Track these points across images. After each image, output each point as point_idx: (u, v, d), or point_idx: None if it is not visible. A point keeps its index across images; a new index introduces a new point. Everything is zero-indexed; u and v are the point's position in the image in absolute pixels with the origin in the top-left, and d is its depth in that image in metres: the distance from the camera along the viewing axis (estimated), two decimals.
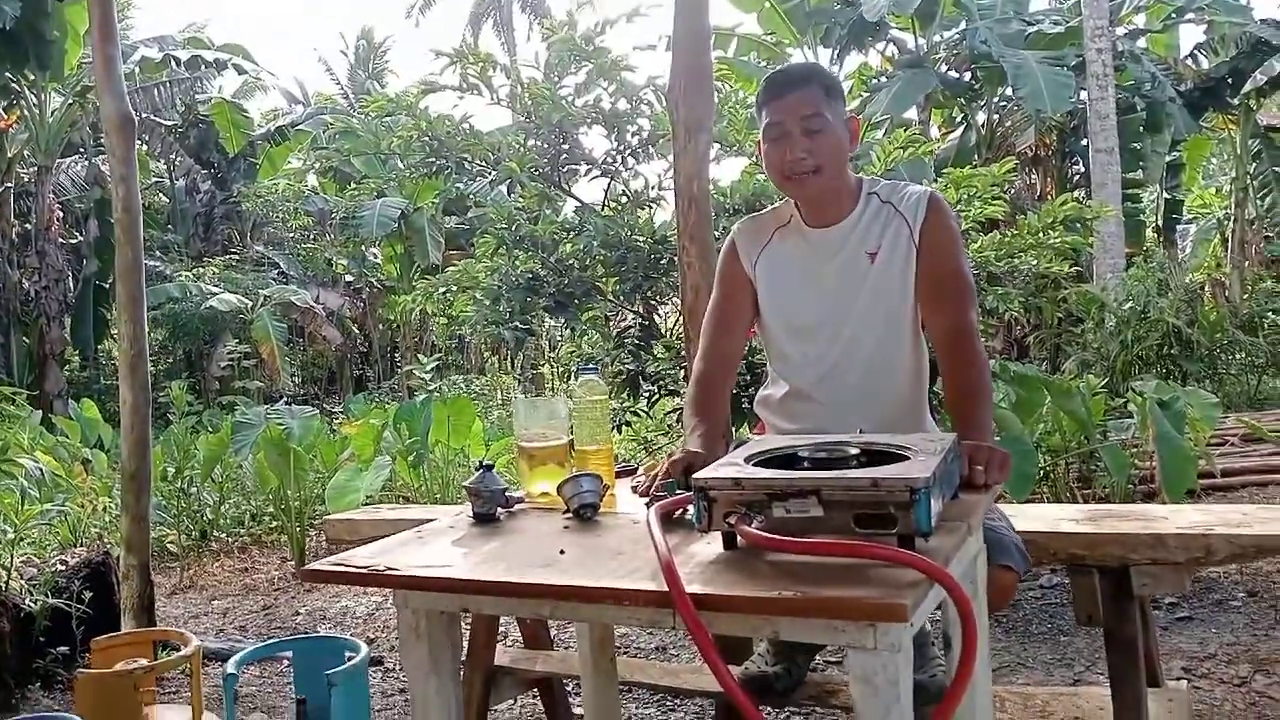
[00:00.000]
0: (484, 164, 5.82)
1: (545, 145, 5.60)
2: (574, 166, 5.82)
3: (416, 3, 23.68)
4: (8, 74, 12.53)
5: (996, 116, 12.48)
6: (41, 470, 5.99)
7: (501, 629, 2.92)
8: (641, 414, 5.50)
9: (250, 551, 6.22)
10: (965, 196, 4.89)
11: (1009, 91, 11.53)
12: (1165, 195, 13.75)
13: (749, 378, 4.24)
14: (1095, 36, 10.37)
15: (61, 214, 14.28)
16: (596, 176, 5.86)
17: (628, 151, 5.61)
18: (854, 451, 1.46)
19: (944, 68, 12.39)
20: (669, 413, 5.77)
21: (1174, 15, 12.65)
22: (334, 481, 5.72)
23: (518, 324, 5.27)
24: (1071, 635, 3.53)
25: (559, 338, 14.67)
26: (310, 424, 6.56)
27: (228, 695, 2.27)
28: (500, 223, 5.44)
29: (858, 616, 1.15)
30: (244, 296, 15.14)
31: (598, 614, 1.57)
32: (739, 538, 1.34)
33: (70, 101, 13.51)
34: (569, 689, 2.94)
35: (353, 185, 15.22)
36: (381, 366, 19.02)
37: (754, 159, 5.40)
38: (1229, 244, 14.47)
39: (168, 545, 5.99)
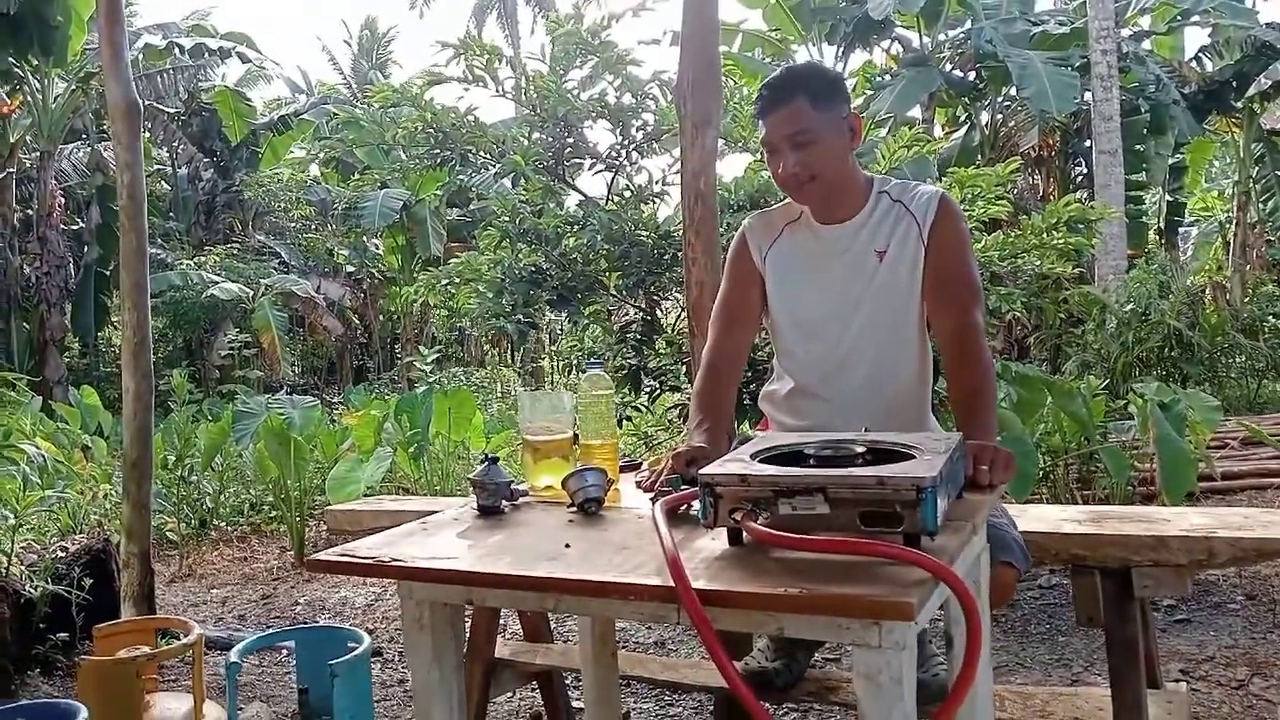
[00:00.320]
0: (488, 156, 5.83)
1: (550, 138, 5.61)
2: (578, 160, 5.83)
3: None
4: (11, 59, 12.49)
5: (1000, 116, 12.48)
6: (44, 457, 5.99)
7: (501, 621, 2.93)
8: (643, 409, 5.51)
9: (250, 541, 6.23)
10: (969, 196, 4.90)
11: (1013, 91, 11.51)
12: (1168, 198, 13.73)
13: (750, 374, 4.24)
14: (1100, 38, 10.37)
15: (63, 200, 14.25)
16: (600, 170, 5.87)
17: (632, 146, 5.62)
18: (860, 450, 1.46)
19: (949, 67, 12.38)
20: (670, 408, 5.78)
21: (1179, 18, 12.63)
22: (335, 472, 5.73)
23: (520, 317, 5.28)
24: (1070, 636, 3.54)
25: (560, 331, 14.69)
26: (311, 414, 6.56)
27: (230, 684, 2.28)
28: (504, 215, 5.44)
29: (863, 614, 1.15)
30: (245, 285, 15.12)
31: (603, 608, 1.57)
32: (744, 534, 1.34)
33: (73, 87, 13.47)
34: (569, 682, 2.95)
35: (355, 175, 15.21)
36: (381, 357, 19.03)
37: (758, 155, 5.40)
38: (1230, 247, 14.46)
39: (167, 533, 6.00)
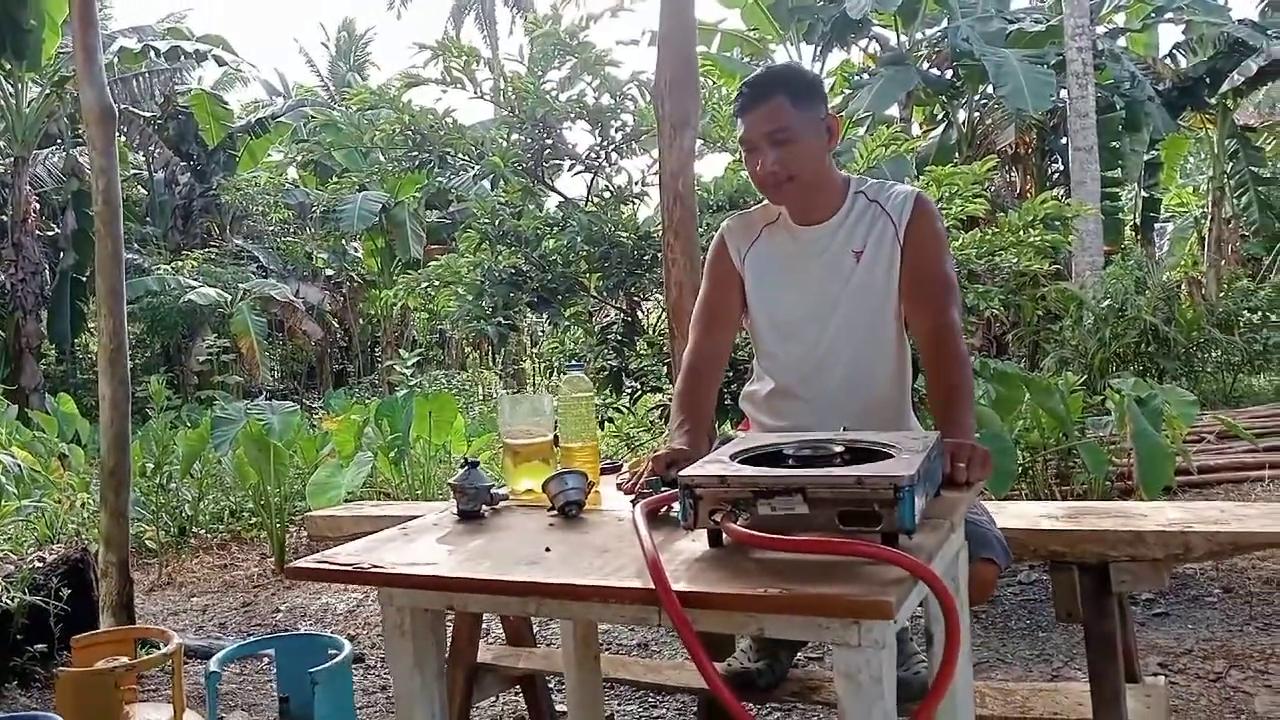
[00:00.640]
0: (467, 158, 5.82)
1: (529, 140, 5.61)
2: (557, 161, 5.83)
3: None
4: None
5: (977, 114, 12.55)
6: (20, 466, 5.92)
7: (484, 626, 2.92)
8: (624, 410, 5.50)
9: (230, 548, 6.18)
10: (947, 194, 4.93)
11: (990, 89, 11.60)
12: (1143, 194, 13.87)
13: (731, 374, 4.25)
14: (1076, 35, 10.45)
15: (38, 206, 14.09)
16: (580, 171, 5.87)
17: (611, 147, 5.63)
18: (839, 449, 1.47)
19: (926, 65, 12.45)
20: (651, 409, 5.78)
21: (1153, 15, 12.76)
22: (315, 477, 5.70)
23: (500, 319, 5.28)
24: (1050, 631, 3.56)
25: (541, 333, 14.66)
26: (290, 419, 6.52)
27: (210, 693, 2.26)
28: (483, 217, 5.43)
29: (842, 613, 1.15)
30: (223, 290, 15.01)
31: (584, 611, 1.57)
32: (724, 535, 1.34)
33: (48, 92, 13.34)
34: (552, 686, 2.94)
35: (334, 178, 15.13)
36: (362, 361, 18.93)
37: (737, 155, 5.41)
38: (1206, 242, 14.61)
39: (146, 542, 5.94)
